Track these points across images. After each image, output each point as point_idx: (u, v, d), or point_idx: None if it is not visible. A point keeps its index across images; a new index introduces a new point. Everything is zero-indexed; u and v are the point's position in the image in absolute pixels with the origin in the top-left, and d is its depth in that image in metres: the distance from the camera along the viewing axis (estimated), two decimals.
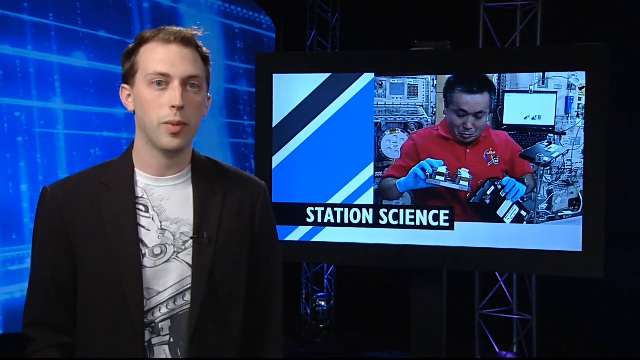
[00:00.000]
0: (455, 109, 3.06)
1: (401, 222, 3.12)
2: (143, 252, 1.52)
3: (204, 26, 1.58)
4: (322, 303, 5.68)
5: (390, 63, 3.15)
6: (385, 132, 3.13)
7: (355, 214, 3.15)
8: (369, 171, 3.14)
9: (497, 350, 4.80)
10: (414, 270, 3.22)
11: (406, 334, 3.33)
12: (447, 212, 3.08)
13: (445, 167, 3.08)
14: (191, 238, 1.54)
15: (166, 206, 1.56)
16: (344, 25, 5.87)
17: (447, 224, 3.08)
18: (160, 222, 1.55)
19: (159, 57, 1.49)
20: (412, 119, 3.11)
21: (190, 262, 1.54)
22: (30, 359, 1.55)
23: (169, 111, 1.48)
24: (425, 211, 3.10)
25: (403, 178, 3.12)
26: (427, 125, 3.10)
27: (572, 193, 2.98)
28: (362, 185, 3.15)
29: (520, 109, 3.02)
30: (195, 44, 1.53)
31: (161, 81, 1.48)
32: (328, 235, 3.18)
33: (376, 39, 5.40)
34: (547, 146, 3.00)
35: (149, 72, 1.48)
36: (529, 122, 3.02)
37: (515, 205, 3.03)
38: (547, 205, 3.00)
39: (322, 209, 3.17)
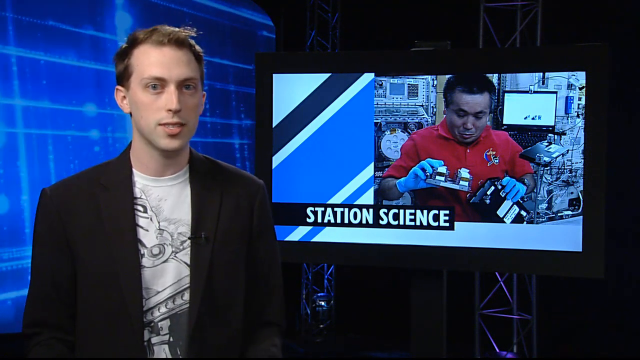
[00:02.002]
0: (455, 109, 3.06)
1: (401, 222, 3.12)
2: (141, 252, 1.53)
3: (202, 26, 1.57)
4: (322, 303, 5.67)
5: (390, 63, 3.15)
6: (385, 132, 3.13)
7: (355, 214, 3.15)
8: (369, 171, 3.14)
9: (497, 350, 4.80)
10: (414, 270, 3.22)
11: (406, 334, 3.34)
12: (447, 212, 3.08)
13: (445, 167, 3.08)
14: (189, 238, 1.55)
15: (164, 206, 1.56)
16: (344, 25, 5.87)
17: (447, 224, 3.08)
18: (159, 222, 1.55)
19: (153, 60, 1.48)
20: (412, 119, 3.11)
21: (188, 261, 1.54)
22: (30, 358, 1.56)
23: (165, 114, 1.48)
24: (425, 211, 3.10)
25: (403, 178, 3.12)
26: (427, 125, 3.10)
27: (572, 193, 2.98)
28: (362, 185, 3.15)
29: (520, 109, 3.02)
30: (188, 44, 1.52)
31: (156, 85, 1.48)
32: (328, 235, 3.18)
33: (376, 39, 5.40)
34: (547, 146, 3.00)
35: (144, 77, 1.48)
36: (529, 122, 3.02)
37: (515, 205, 3.03)
38: (547, 205, 3.00)
39: (322, 209, 3.17)
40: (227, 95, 5.76)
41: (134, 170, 1.57)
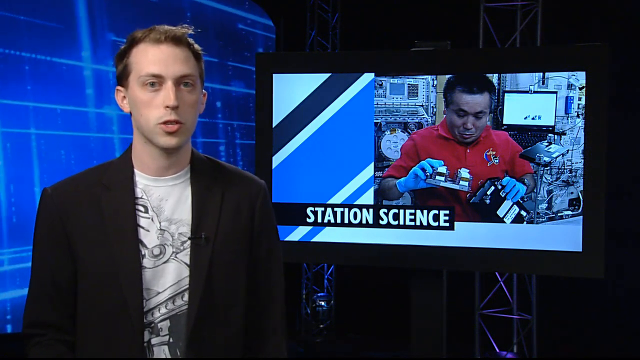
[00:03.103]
0: (455, 109, 3.06)
1: (401, 222, 3.12)
2: (142, 252, 1.53)
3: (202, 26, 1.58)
4: (322, 303, 5.68)
5: (390, 63, 3.15)
6: (385, 132, 3.13)
7: (355, 214, 3.15)
8: (369, 171, 3.14)
9: (497, 350, 4.80)
10: (414, 270, 3.22)
11: (406, 334, 3.33)
12: (447, 212, 3.08)
13: (445, 167, 3.08)
14: (189, 239, 1.55)
15: (165, 206, 1.56)
16: (344, 25, 5.87)
17: (447, 224, 3.08)
18: (160, 223, 1.55)
19: (151, 58, 1.48)
20: (412, 119, 3.11)
21: (188, 262, 1.54)
22: (32, 359, 1.56)
23: (164, 111, 1.48)
24: (425, 211, 3.10)
25: (403, 178, 3.12)
26: (427, 125, 3.10)
27: (572, 193, 2.98)
28: (362, 185, 3.15)
29: (520, 109, 3.02)
30: (186, 42, 1.53)
31: (154, 82, 1.48)
32: (328, 235, 3.18)
33: (376, 39, 5.40)
34: (547, 146, 3.00)
35: (141, 74, 1.48)
36: (529, 122, 3.02)
37: (515, 205, 3.03)
38: (547, 205, 3.00)
39: (322, 209, 3.17)
40: (226, 96, 5.76)
41: (135, 170, 1.57)
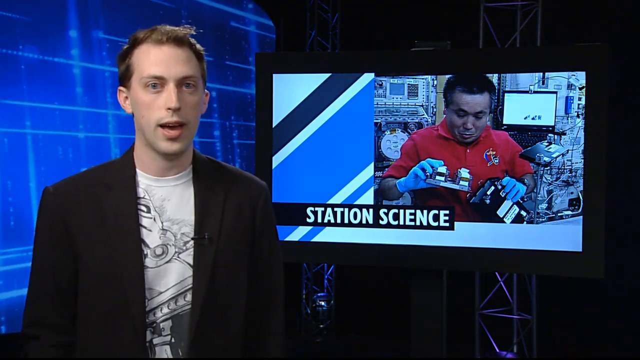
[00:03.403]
0: (455, 109, 3.06)
1: (401, 222, 3.12)
2: (145, 252, 1.52)
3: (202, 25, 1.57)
4: (322, 303, 5.68)
5: (390, 63, 3.15)
6: (385, 132, 3.13)
7: (355, 214, 3.15)
8: (369, 171, 3.14)
9: (497, 350, 4.80)
10: (414, 270, 3.22)
11: (406, 334, 3.33)
12: (447, 212, 3.08)
13: (445, 167, 3.08)
14: (192, 239, 1.55)
15: (167, 207, 1.56)
16: (344, 25, 5.87)
17: (447, 224, 3.08)
18: (162, 223, 1.55)
19: (153, 59, 1.48)
20: (412, 119, 3.11)
21: (191, 262, 1.54)
22: (28, 359, 1.56)
23: (165, 113, 1.48)
24: (425, 211, 3.10)
25: (403, 178, 3.12)
26: (427, 125, 3.10)
27: (572, 193, 2.98)
28: (362, 185, 3.15)
29: (520, 109, 3.02)
30: (188, 43, 1.53)
31: (156, 83, 1.48)
32: (328, 235, 3.18)
33: (376, 39, 5.40)
34: (547, 146, 3.00)
35: (143, 75, 1.48)
36: (529, 122, 3.02)
37: (515, 205, 3.03)
38: (547, 205, 3.00)
39: (322, 209, 3.17)
40: (225, 96, 5.77)
41: (137, 170, 1.57)
